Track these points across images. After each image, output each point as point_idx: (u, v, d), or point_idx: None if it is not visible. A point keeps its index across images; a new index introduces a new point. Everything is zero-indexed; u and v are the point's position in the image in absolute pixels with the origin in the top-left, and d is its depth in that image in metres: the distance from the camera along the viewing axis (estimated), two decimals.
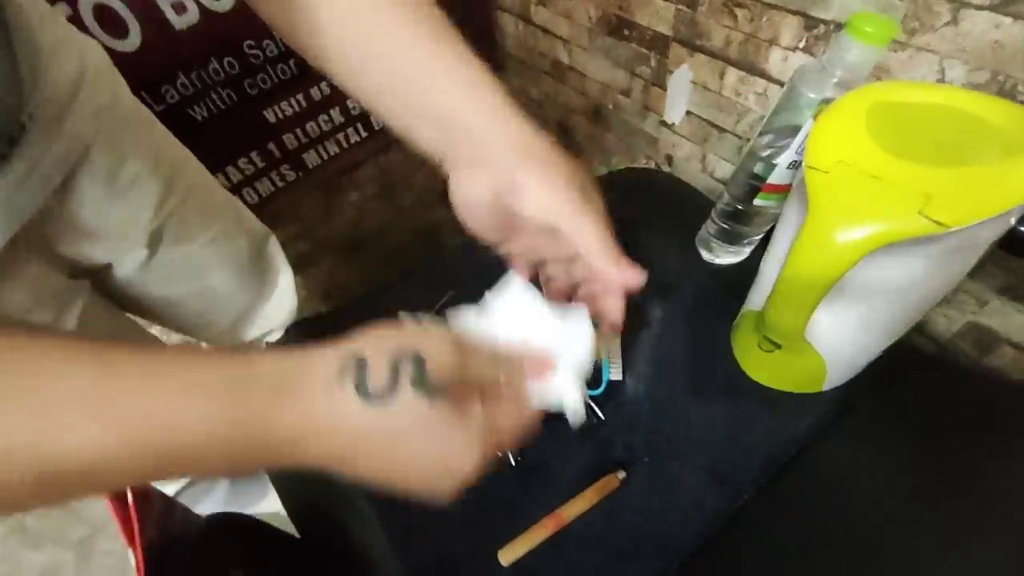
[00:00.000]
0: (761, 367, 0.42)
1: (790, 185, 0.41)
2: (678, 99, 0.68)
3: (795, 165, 0.39)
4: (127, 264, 0.48)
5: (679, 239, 0.53)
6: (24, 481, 0.17)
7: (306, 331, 0.49)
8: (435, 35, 0.29)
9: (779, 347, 0.38)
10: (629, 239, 0.50)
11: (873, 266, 0.30)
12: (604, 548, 0.36)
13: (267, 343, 0.50)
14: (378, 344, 0.23)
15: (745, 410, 0.41)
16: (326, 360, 0.22)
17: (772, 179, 0.41)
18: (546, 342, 0.29)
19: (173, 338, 0.95)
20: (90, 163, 0.40)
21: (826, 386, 0.40)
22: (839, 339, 0.37)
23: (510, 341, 0.28)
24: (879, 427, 0.40)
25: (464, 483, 0.24)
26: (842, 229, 0.29)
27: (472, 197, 0.31)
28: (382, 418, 0.21)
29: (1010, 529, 0.33)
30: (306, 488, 0.41)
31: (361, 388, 0.21)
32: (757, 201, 0.43)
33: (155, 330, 0.88)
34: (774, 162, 0.40)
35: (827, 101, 0.35)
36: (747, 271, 0.49)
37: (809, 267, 0.31)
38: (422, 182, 1.13)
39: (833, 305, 0.33)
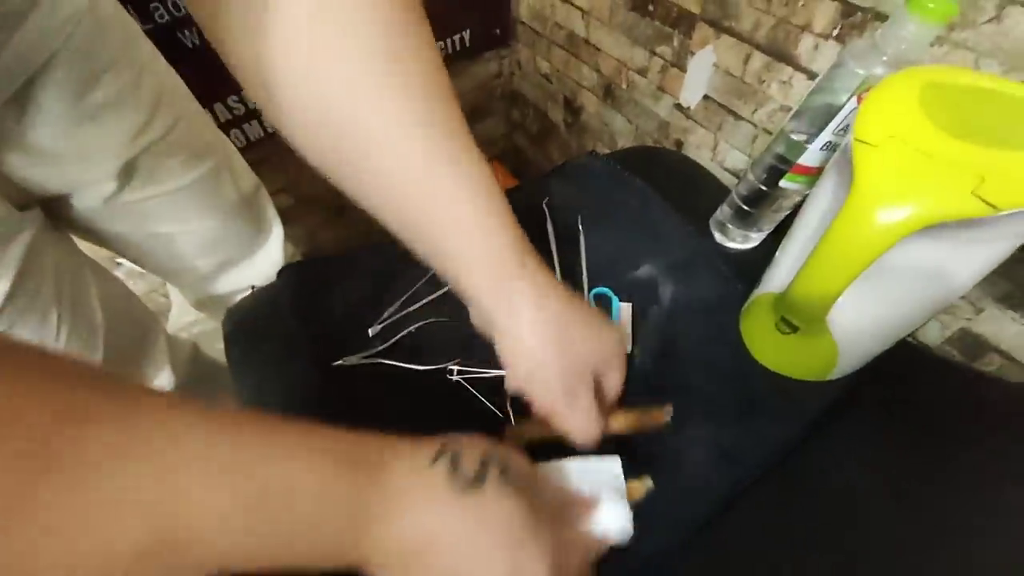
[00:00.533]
0: (770, 352, 0.41)
1: (819, 168, 0.40)
2: (697, 82, 0.66)
3: (829, 147, 0.38)
4: (88, 198, 0.42)
5: (692, 220, 0.51)
6: (128, 550, 0.15)
7: (296, 276, 0.45)
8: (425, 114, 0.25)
9: (795, 330, 0.37)
10: (642, 217, 0.49)
11: (910, 248, 0.29)
12: None
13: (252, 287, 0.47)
14: (468, 443, 0.24)
15: (752, 393, 0.40)
16: (417, 448, 0.23)
17: (803, 160, 0.40)
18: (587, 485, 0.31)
19: (140, 286, 0.89)
20: (54, 74, 0.35)
21: (834, 375, 0.40)
22: (857, 325, 0.36)
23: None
24: (882, 420, 0.39)
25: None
26: (889, 205, 0.28)
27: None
28: (470, 505, 0.22)
29: (1007, 531, 0.34)
30: None
31: (454, 474, 0.23)
32: (783, 183, 0.42)
33: (121, 272, 0.82)
34: (807, 144, 0.39)
35: (874, 79, 0.34)
36: (758, 257, 0.48)
37: (848, 243, 0.30)
38: None
39: (857, 289, 0.32)
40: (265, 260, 0.61)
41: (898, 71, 0.31)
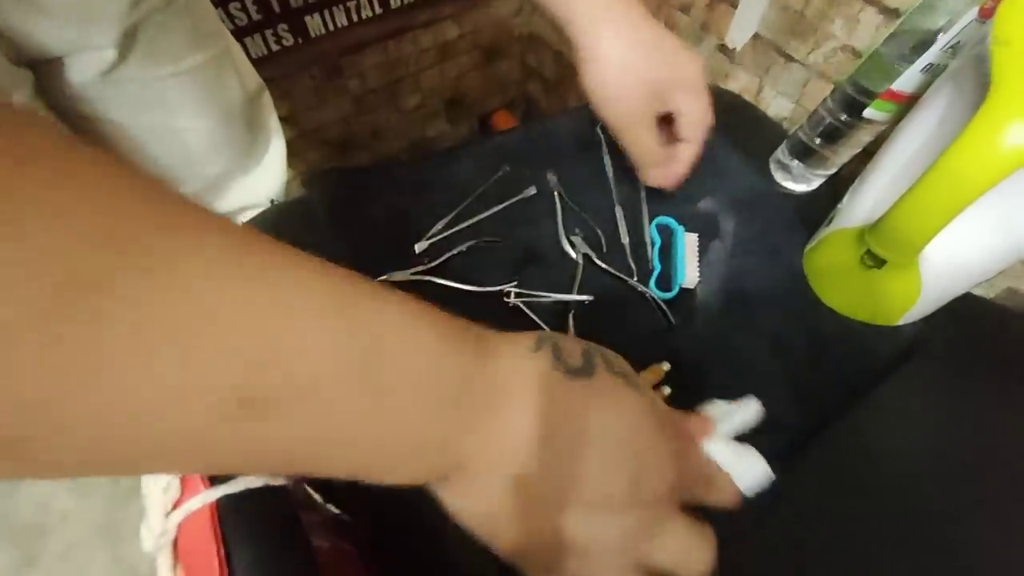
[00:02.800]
0: (839, 293, 0.39)
1: (912, 95, 0.37)
2: (749, 18, 0.62)
3: (931, 69, 0.35)
4: (86, 66, 0.38)
5: (751, 160, 0.48)
6: (220, 403, 0.12)
7: (330, 185, 0.41)
8: None
9: (882, 265, 0.35)
10: (702, 151, 0.45)
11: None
12: None
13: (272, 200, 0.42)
14: (563, 336, 0.21)
15: (821, 334, 0.38)
16: (513, 336, 0.20)
17: (897, 86, 0.37)
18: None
19: None
20: None
21: (905, 319, 0.38)
22: (948, 262, 0.34)
23: None
24: (950, 369, 0.38)
25: (652, 502, 0.19)
26: None
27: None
28: (580, 391, 0.19)
29: None
30: None
31: (558, 362, 0.19)
32: (868, 112, 0.39)
33: None
34: (903, 67, 0.36)
35: None
36: (817, 200, 0.46)
37: (978, 158, 0.27)
38: (431, 84, 1.03)
39: (959, 220, 0.30)
40: (265, 177, 0.56)
41: None
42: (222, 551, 0.16)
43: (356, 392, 0.14)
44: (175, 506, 0.17)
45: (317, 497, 0.25)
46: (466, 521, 0.18)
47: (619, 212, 0.41)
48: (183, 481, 0.17)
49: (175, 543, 0.17)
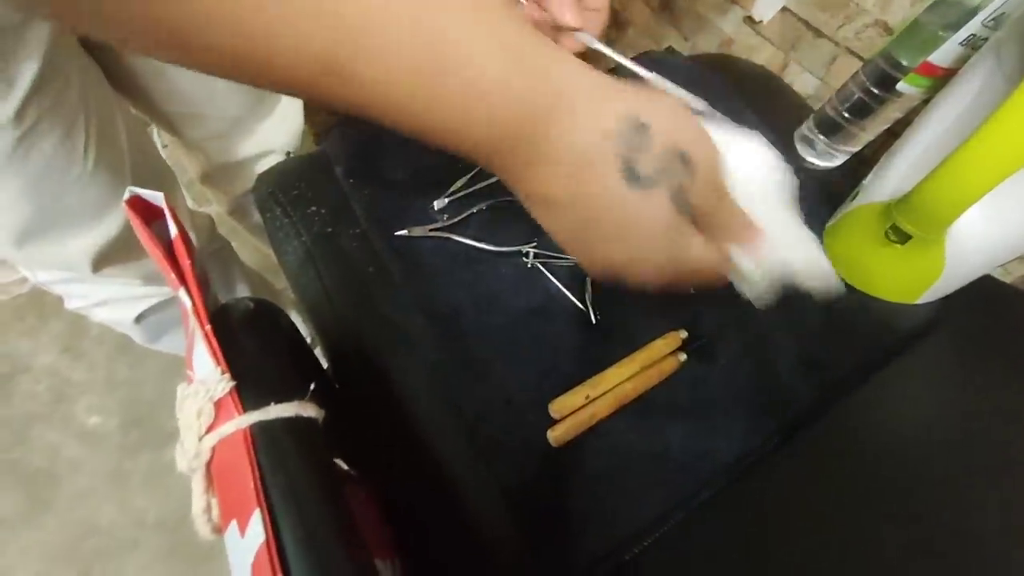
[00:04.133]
0: (859, 269, 0.39)
1: (948, 69, 0.36)
2: None
3: (971, 41, 0.34)
4: None
5: (775, 133, 0.47)
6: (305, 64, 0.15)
7: (346, 139, 0.40)
8: None
9: (906, 241, 0.34)
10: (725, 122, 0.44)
11: None
12: (689, 417, 0.32)
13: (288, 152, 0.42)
14: (661, 123, 0.19)
15: (835, 310, 0.38)
16: (605, 101, 0.19)
17: (935, 59, 0.36)
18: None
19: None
20: None
21: (924, 298, 0.38)
22: (973, 239, 0.34)
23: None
24: (965, 350, 0.38)
25: (676, 266, 0.22)
26: None
27: None
28: (630, 197, 0.19)
29: None
30: (344, 315, 0.35)
31: (626, 164, 0.19)
32: (902, 86, 0.38)
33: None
34: (944, 38, 0.35)
35: None
36: (839, 176, 0.45)
37: (1018, 132, 0.26)
38: None
39: (989, 197, 0.29)
40: (283, 126, 0.56)
41: None
42: (257, 474, 0.16)
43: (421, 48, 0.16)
44: (209, 430, 0.17)
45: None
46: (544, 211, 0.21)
47: None
48: (217, 406, 0.17)
49: (208, 466, 0.17)
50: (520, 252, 0.36)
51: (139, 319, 0.57)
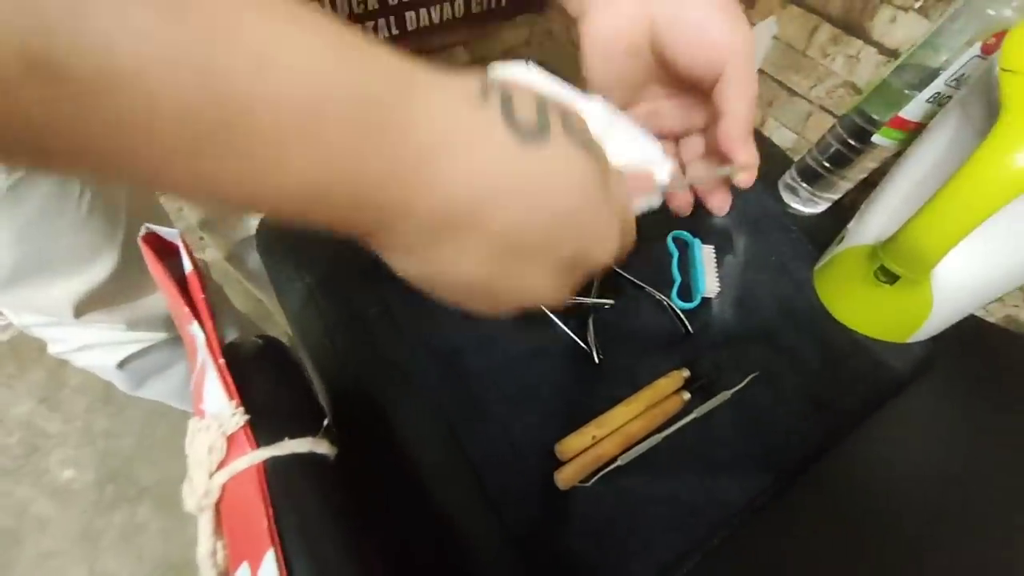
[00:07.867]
0: (850, 310, 0.40)
1: (918, 123, 0.39)
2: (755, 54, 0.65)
3: (936, 99, 0.37)
4: None
5: (761, 180, 0.50)
6: (189, 79, 0.11)
7: None
8: None
9: (894, 281, 0.36)
10: None
11: None
12: (699, 459, 0.32)
13: None
14: (514, 84, 0.17)
15: (835, 348, 0.39)
16: (463, 77, 0.17)
17: (905, 113, 0.39)
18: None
19: None
20: None
21: (915, 337, 0.39)
22: (959, 280, 0.35)
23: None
24: (958, 389, 0.39)
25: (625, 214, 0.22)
26: None
27: (607, 33, 0.27)
28: (533, 156, 0.16)
29: None
30: (346, 357, 0.35)
31: (508, 116, 0.16)
32: (876, 138, 0.41)
33: None
34: (911, 95, 0.38)
35: (1002, 22, 0.33)
36: (823, 222, 0.47)
37: (987, 179, 0.28)
38: None
39: (971, 239, 0.31)
40: None
41: None
42: (271, 512, 0.15)
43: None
44: (220, 466, 0.16)
45: None
46: (408, 272, 0.19)
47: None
48: (229, 441, 0.17)
49: (217, 505, 0.16)
50: None
51: (122, 364, 0.55)
